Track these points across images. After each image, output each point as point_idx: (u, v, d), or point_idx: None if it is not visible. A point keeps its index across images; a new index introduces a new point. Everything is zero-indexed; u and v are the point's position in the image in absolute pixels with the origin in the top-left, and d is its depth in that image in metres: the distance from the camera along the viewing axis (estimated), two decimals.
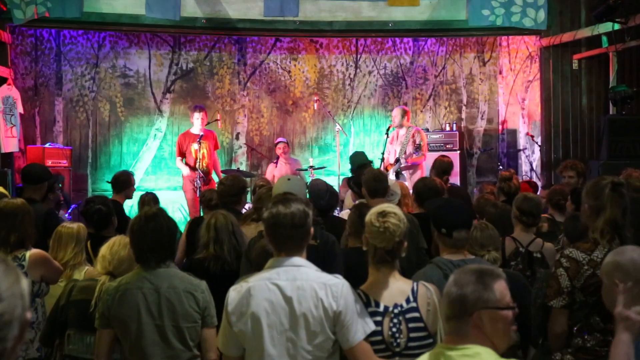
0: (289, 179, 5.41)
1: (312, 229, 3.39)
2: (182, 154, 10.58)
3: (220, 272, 4.67)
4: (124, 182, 7.73)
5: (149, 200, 7.25)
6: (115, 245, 4.36)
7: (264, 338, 3.18)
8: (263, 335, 3.18)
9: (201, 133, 10.38)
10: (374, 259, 3.41)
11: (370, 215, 3.42)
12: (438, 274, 3.83)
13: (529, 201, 5.59)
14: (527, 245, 5.42)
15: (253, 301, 3.21)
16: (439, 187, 6.98)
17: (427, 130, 12.27)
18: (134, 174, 8.32)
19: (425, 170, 10.43)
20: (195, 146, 10.29)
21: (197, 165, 10.28)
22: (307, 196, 5.50)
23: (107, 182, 7.99)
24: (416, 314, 3.34)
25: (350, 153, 10.18)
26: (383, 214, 3.38)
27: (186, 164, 10.52)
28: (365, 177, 6.04)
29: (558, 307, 3.79)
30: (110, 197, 7.45)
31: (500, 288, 2.62)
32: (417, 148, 10.30)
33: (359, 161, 8.40)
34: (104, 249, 4.38)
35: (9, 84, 10.09)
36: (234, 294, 3.29)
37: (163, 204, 7.85)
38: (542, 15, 11.08)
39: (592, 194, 3.90)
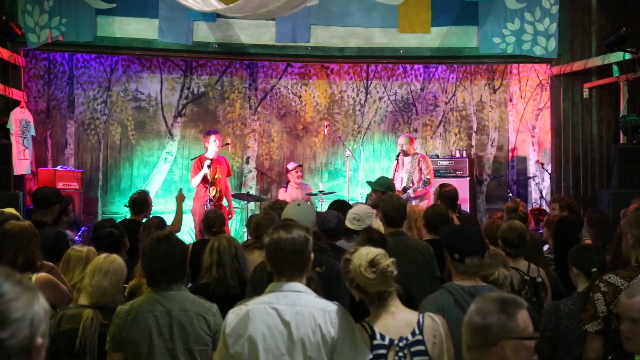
0: (298, 204, 5.41)
1: (312, 255, 3.39)
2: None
3: (224, 296, 4.65)
4: (142, 204, 7.85)
5: (153, 224, 7.13)
6: (96, 275, 4.28)
7: None
8: (259, 358, 3.17)
9: (212, 157, 10.36)
10: (379, 299, 3.31)
11: (359, 269, 3.25)
12: (448, 299, 3.82)
13: (512, 231, 5.48)
14: (527, 272, 5.38)
15: (251, 324, 3.20)
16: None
17: (437, 156, 12.28)
18: (149, 192, 8.35)
19: (432, 197, 10.42)
20: (205, 170, 10.26)
21: (208, 190, 10.27)
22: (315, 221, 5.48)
23: (125, 205, 7.97)
24: (422, 347, 3.27)
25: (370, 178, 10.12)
26: (372, 263, 3.24)
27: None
28: (385, 207, 6.03)
29: (592, 332, 3.77)
30: (118, 220, 7.45)
31: (524, 317, 2.59)
32: (425, 183, 10.27)
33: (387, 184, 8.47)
34: (86, 279, 4.33)
35: (22, 107, 10.16)
36: (232, 316, 3.29)
37: None
38: (552, 43, 11.15)
39: (635, 223, 3.95)
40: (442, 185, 8.20)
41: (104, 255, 4.49)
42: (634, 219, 4.00)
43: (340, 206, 6.97)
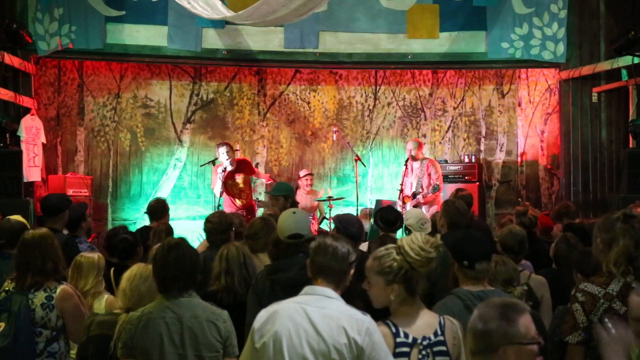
0: (294, 212, 5.37)
1: (351, 271, 3.42)
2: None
3: (232, 303, 4.67)
4: (161, 210, 7.78)
5: (161, 231, 7.09)
6: (135, 279, 4.32)
7: (284, 358, 3.18)
8: (283, 355, 3.18)
9: (232, 167, 10.12)
10: (412, 295, 3.38)
11: (417, 246, 3.33)
12: (458, 305, 3.82)
13: (513, 237, 5.48)
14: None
15: (278, 320, 3.23)
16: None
17: (446, 161, 12.27)
18: (166, 200, 8.32)
19: (442, 202, 10.39)
20: (230, 182, 10.19)
21: (237, 202, 10.22)
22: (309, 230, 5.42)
23: (145, 212, 7.92)
24: (443, 348, 3.33)
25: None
26: (427, 240, 3.35)
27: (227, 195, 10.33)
28: (450, 212, 6.21)
29: (574, 343, 3.73)
30: (128, 226, 7.45)
31: (525, 322, 2.61)
32: (434, 189, 10.22)
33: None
34: (124, 282, 4.35)
35: (32, 114, 10.23)
36: (263, 312, 3.33)
37: (182, 233, 7.81)
38: (561, 48, 11.15)
39: (604, 227, 3.86)
40: (457, 190, 8.27)
41: (142, 264, 4.53)
42: (602, 222, 3.91)
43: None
